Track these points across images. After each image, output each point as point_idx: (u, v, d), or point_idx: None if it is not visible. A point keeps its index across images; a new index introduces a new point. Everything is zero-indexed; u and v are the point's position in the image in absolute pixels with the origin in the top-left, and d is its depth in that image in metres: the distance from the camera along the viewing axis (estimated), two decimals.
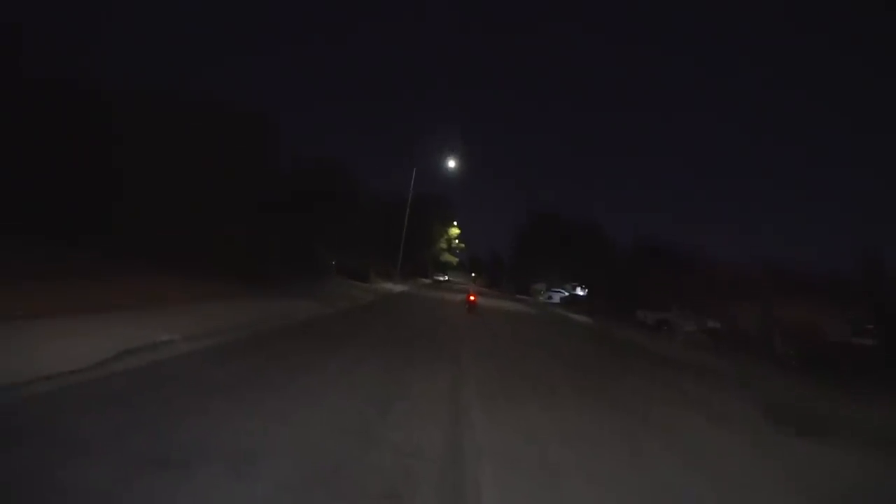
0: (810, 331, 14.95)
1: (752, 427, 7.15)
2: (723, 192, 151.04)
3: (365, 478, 3.57)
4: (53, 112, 12.83)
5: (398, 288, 31.16)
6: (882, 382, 11.87)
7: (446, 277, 76.55)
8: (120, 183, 13.59)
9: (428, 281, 58.86)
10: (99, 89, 14.16)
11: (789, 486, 4.84)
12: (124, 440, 3.54)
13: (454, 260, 70.38)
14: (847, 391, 11.08)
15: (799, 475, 5.30)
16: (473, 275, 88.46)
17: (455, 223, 62.53)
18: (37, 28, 13.90)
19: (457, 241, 66.69)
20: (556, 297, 50.16)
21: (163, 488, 2.98)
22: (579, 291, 50.75)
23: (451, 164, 36.83)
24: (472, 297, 23.49)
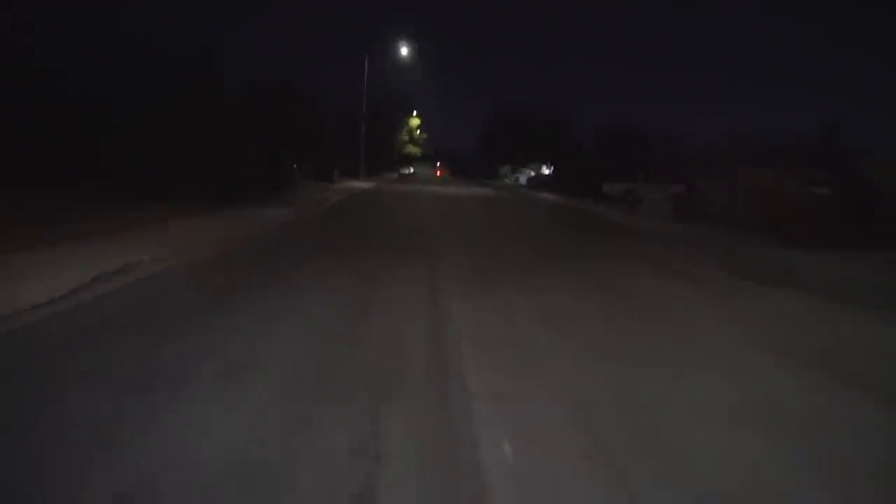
0: (770, 191, 15.33)
1: (718, 285, 7.48)
2: (693, 70, 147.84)
3: (355, 360, 3.71)
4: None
5: (363, 185, 30.81)
6: (834, 234, 12.39)
7: (412, 170, 75.63)
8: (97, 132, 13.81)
9: (394, 175, 58.08)
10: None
11: (749, 328, 5.11)
12: (114, 365, 3.55)
13: (418, 151, 69.26)
14: (803, 246, 11.57)
15: (760, 320, 5.63)
16: (438, 164, 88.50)
17: (415, 113, 60.92)
18: None
19: (418, 131, 65.29)
20: (522, 179, 49.87)
21: (159, 404, 3.02)
22: (545, 171, 50.50)
23: (404, 51, 35.75)
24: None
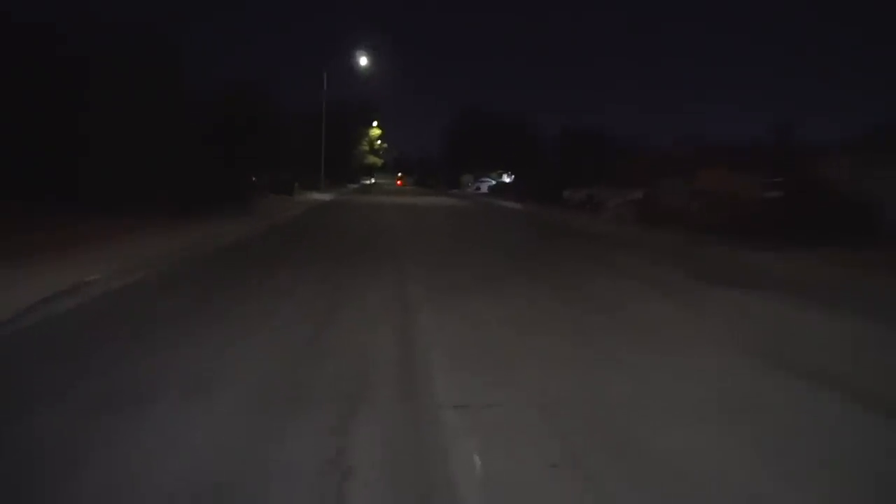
0: (727, 194, 15.77)
1: (678, 286, 7.65)
2: (652, 77, 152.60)
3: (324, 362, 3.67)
4: None
5: (324, 197, 30.50)
6: (787, 235, 12.84)
7: (373, 180, 75.59)
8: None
9: (355, 186, 57.82)
10: None
11: (710, 328, 5.26)
12: (71, 385, 3.40)
13: (379, 161, 69.08)
14: (758, 246, 11.93)
15: (720, 319, 5.78)
16: (400, 174, 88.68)
17: (375, 123, 60.78)
18: None
19: (379, 141, 65.15)
20: (484, 187, 50.52)
21: (120, 426, 2.88)
22: (506, 179, 51.21)
23: (364, 61, 35.63)
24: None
